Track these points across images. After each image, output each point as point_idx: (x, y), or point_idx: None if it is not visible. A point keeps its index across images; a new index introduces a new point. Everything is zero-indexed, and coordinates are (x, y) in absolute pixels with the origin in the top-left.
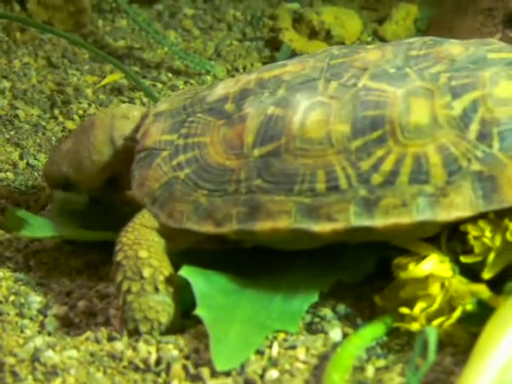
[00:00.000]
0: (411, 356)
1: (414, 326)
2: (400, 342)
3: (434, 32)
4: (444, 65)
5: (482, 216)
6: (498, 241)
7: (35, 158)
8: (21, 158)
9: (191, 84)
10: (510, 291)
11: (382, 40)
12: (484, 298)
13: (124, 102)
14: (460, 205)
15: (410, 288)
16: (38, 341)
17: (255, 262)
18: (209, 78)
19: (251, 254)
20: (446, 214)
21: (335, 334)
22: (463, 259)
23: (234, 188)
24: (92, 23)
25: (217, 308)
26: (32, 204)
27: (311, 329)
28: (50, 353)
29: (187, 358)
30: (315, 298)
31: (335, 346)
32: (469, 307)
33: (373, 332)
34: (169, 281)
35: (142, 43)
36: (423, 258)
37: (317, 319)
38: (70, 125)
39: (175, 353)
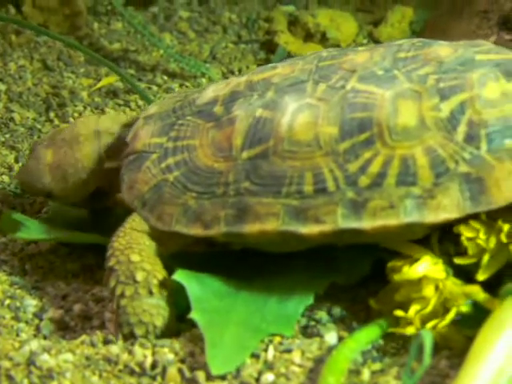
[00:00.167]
0: (407, 359)
1: (409, 330)
2: (396, 346)
3: (429, 34)
4: (432, 67)
5: (475, 217)
6: (492, 242)
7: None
8: (16, 161)
9: (186, 87)
10: (506, 294)
11: (378, 42)
12: (478, 299)
13: (119, 105)
14: (447, 206)
15: (404, 291)
16: (34, 344)
17: (249, 264)
18: (204, 80)
19: (245, 256)
20: (433, 216)
21: (331, 337)
22: (457, 260)
23: (222, 190)
24: (87, 26)
25: (212, 311)
26: (27, 207)
27: (307, 332)
28: (45, 356)
29: (183, 361)
30: (310, 300)
31: (331, 349)
32: (463, 309)
33: (368, 335)
34: (162, 284)
35: (137, 46)
36: (417, 260)
37: (312, 322)
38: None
39: (171, 356)
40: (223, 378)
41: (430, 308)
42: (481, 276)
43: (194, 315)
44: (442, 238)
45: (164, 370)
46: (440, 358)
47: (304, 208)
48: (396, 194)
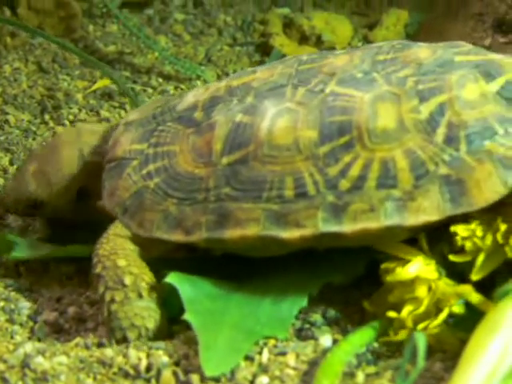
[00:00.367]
0: (401, 362)
1: (401, 336)
2: (390, 348)
3: (424, 37)
4: (411, 69)
5: (471, 217)
6: (488, 240)
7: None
8: (11, 163)
9: (181, 89)
10: (499, 296)
11: None
12: (470, 299)
13: (114, 107)
14: (427, 209)
15: (397, 292)
16: (28, 347)
17: (241, 265)
18: (199, 82)
19: (236, 258)
20: (413, 219)
21: (325, 339)
22: (452, 258)
23: (203, 196)
24: (82, 28)
25: (205, 313)
26: None
27: (301, 335)
28: (39, 359)
29: (177, 364)
30: (304, 302)
31: (325, 352)
32: (455, 309)
33: (362, 338)
34: (151, 286)
35: (132, 48)
36: (410, 261)
37: (307, 325)
38: (60, 130)
39: (165, 359)
40: (217, 380)
41: (422, 308)
42: (475, 276)
43: (187, 316)
44: (435, 239)
45: (158, 372)
46: (434, 361)
47: (284, 212)
48: (376, 197)
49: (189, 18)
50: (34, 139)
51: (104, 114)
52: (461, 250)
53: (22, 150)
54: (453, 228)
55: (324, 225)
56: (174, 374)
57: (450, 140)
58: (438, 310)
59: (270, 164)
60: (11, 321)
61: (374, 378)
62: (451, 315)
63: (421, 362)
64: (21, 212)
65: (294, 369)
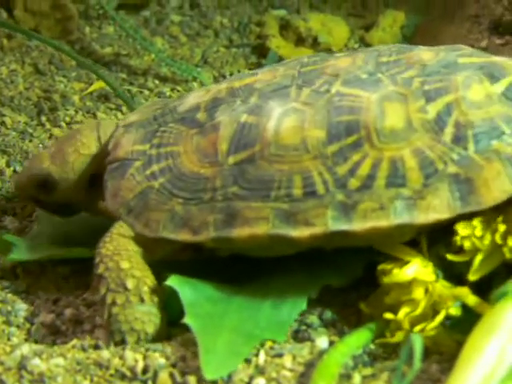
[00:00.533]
0: (398, 364)
1: (398, 338)
2: (386, 350)
3: (421, 38)
4: (416, 70)
5: (470, 218)
6: (487, 240)
7: (22, 166)
8: (8, 165)
9: (178, 91)
10: (496, 298)
11: (369, 47)
12: (467, 301)
13: (111, 109)
14: (437, 207)
15: (394, 293)
16: (25, 349)
17: (241, 269)
18: (195, 84)
19: (236, 262)
20: (423, 217)
21: (322, 341)
22: (450, 257)
23: (209, 196)
24: (79, 30)
25: (205, 316)
26: (18, 211)
27: (298, 337)
28: (36, 361)
29: (174, 365)
30: (304, 305)
31: (322, 353)
32: (452, 311)
33: (359, 339)
34: (153, 290)
35: (128, 50)
36: (407, 263)
37: (303, 327)
38: (56, 132)
39: (162, 361)
40: (214, 382)
41: (419, 310)
42: (472, 276)
43: (187, 320)
44: (433, 240)
45: (155, 374)
46: (430, 363)
47: (294, 211)
48: (386, 196)
49: (185, 19)
50: (30, 141)
51: (101, 115)
52: (459, 251)
53: (18, 151)
54: (456, 226)
55: (334, 223)
56: (171, 375)
57: (458, 139)
58: (435, 312)
59: (277, 163)
60: (8, 323)
61: (371, 379)
62: (448, 317)
63: (417, 363)
64: (29, 194)
65: (291, 370)
